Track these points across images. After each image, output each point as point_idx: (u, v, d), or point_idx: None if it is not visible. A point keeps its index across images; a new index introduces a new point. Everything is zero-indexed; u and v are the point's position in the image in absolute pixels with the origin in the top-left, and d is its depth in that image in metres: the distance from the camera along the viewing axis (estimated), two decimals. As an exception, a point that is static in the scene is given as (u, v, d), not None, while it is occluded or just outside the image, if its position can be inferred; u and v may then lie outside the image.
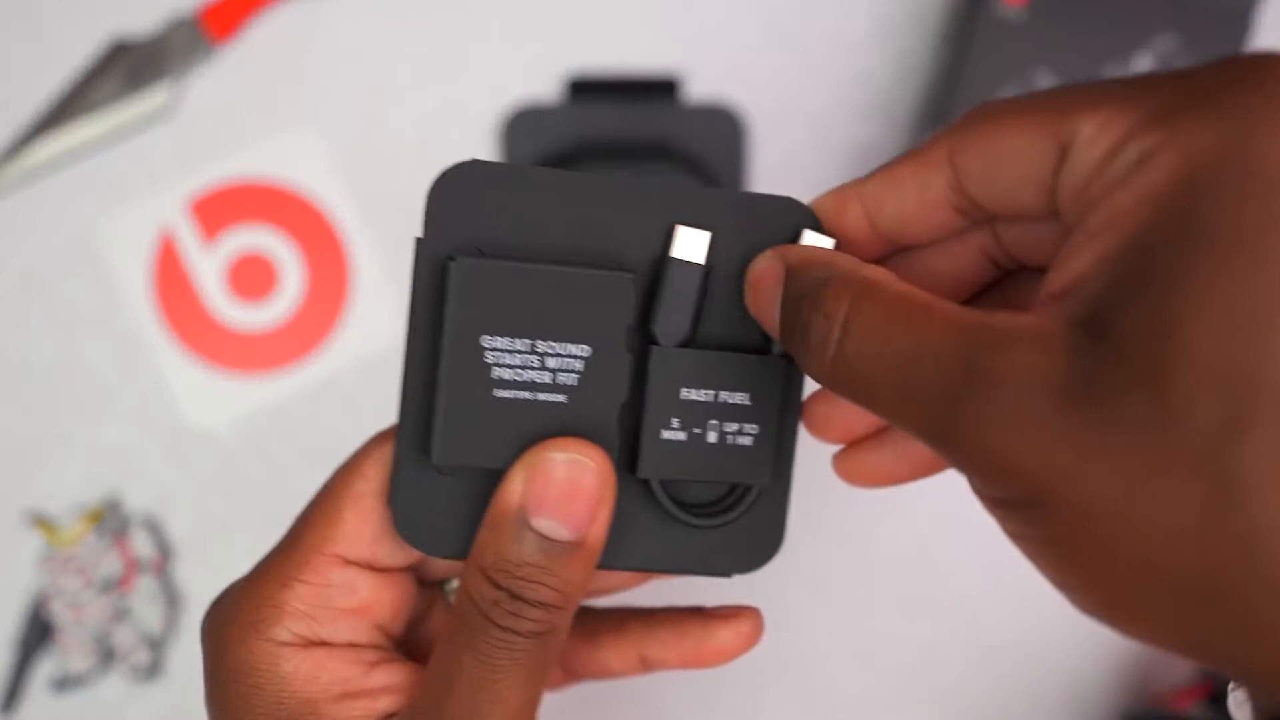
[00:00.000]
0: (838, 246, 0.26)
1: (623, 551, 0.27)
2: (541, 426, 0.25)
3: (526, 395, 0.25)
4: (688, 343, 0.26)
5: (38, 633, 0.48)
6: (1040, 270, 0.25)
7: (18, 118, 0.48)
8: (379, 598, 0.27)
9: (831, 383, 0.23)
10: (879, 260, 0.26)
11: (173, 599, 0.48)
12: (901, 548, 0.49)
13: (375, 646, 0.27)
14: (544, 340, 0.25)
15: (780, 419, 0.27)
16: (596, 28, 0.49)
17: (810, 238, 0.26)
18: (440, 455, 0.25)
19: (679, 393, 0.26)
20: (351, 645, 0.26)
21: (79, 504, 0.48)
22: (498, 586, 0.25)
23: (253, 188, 0.49)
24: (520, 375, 0.25)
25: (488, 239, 0.25)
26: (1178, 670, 0.50)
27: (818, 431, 0.28)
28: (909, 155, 0.24)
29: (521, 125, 0.48)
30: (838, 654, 0.49)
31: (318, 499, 0.27)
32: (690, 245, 0.26)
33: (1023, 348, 0.20)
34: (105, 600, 0.48)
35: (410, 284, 0.25)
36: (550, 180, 0.25)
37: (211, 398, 0.48)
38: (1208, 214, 0.18)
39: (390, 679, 0.26)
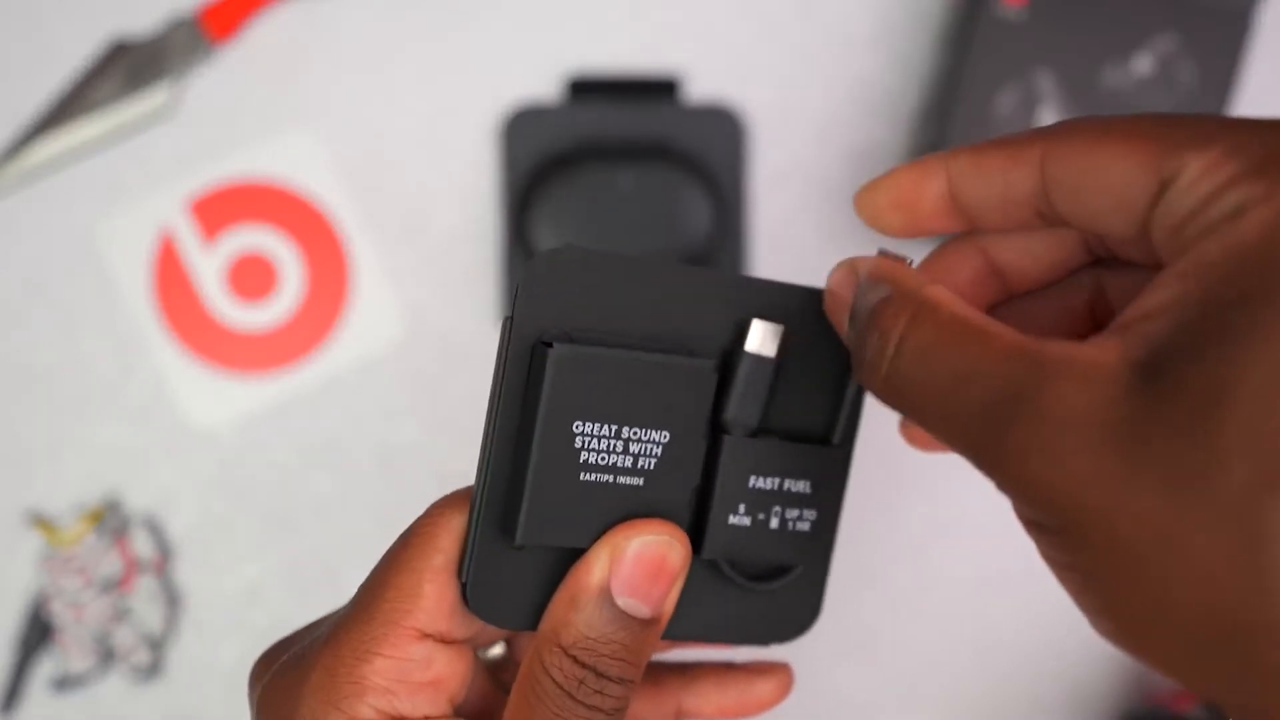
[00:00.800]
0: (911, 263, 0.26)
1: (678, 623, 0.28)
2: (619, 507, 0.26)
3: (608, 478, 0.26)
4: (756, 432, 0.27)
5: (38, 632, 0.48)
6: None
7: (18, 118, 0.48)
8: (452, 670, 0.27)
9: (884, 397, 0.23)
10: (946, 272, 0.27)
11: (173, 599, 0.48)
12: (901, 548, 0.49)
13: (447, 718, 0.27)
14: (629, 426, 0.26)
15: (835, 504, 0.28)
16: (596, 28, 0.49)
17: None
18: (525, 536, 0.25)
19: (748, 481, 0.27)
20: (427, 719, 0.26)
21: (79, 504, 0.48)
22: (581, 664, 0.25)
23: (253, 188, 0.49)
24: (604, 459, 0.26)
25: (574, 322, 0.25)
26: (1178, 670, 0.50)
27: (916, 444, 0.29)
28: (999, 144, 0.25)
29: (521, 125, 0.48)
30: (838, 654, 0.49)
31: (391, 569, 0.26)
32: (764, 340, 0.27)
33: (1075, 379, 0.20)
34: (105, 600, 0.48)
35: (497, 361, 0.26)
36: (632, 267, 0.26)
37: (211, 397, 0.48)
38: None
39: None
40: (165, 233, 0.49)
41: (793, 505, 0.27)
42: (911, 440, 0.29)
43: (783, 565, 0.28)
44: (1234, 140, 0.21)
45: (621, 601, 0.25)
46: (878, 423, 0.49)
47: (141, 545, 0.48)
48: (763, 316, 0.27)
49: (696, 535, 0.27)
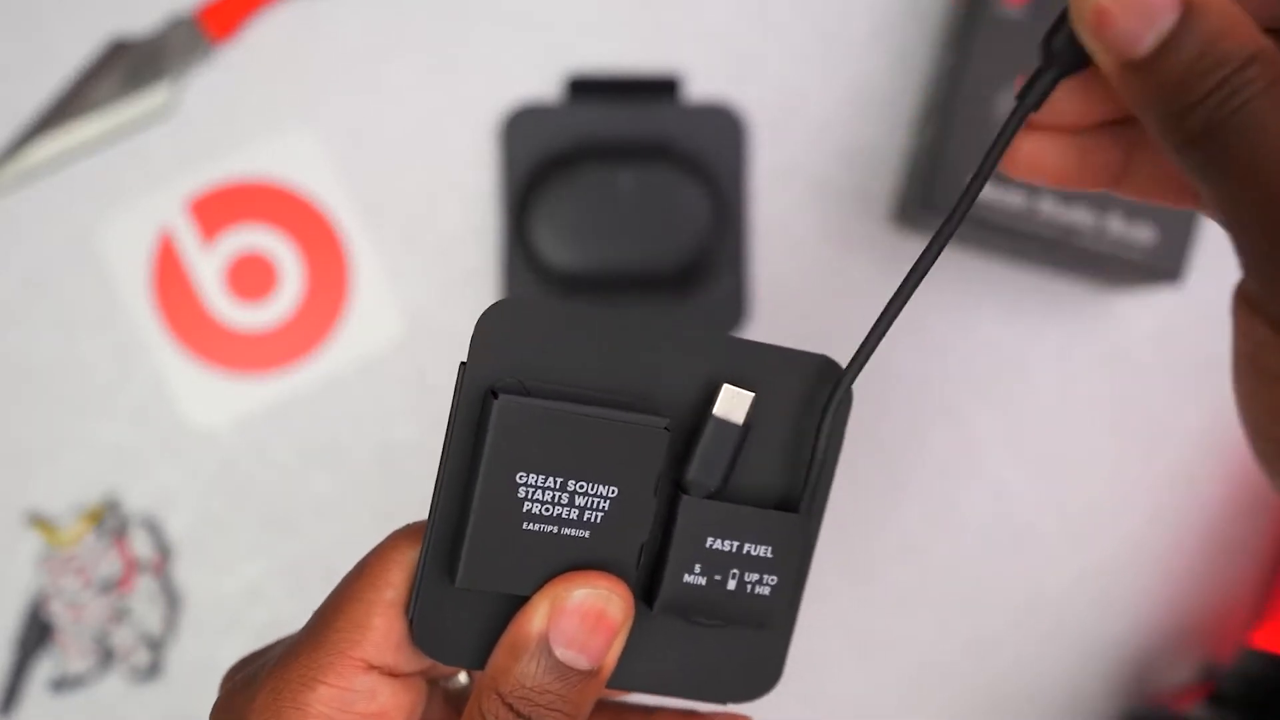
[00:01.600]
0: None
1: (628, 674, 0.28)
2: (564, 557, 0.26)
3: (552, 529, 0.26)
4: (718, 493, 0.27)
5: (37, 633, 0.48)
6: None
7: (17, 117, 0.48)
8: (396, 703, 0.27)
9: (1189, 151, 0.23)
10: None
11: (172, 599, 0.48)
12: (901, 548, 0.49)
13: None
14: (576, 480, 0.26)
15: (799, 570, 0.28)
16: (597, 27, 0.49)
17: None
18: (464, 579, 0.26)
19: (705, 541, 0.27)
20: None
21: (78, 504, 0.48)
22: (517, 714, 0.25)
23: (252, 187, 0.49)
24: (549, 510, 0.26)
25: (530, 371, 0.25)
26: (1178, 670, 0.50)
27: (1017, 171, 0.28)
28: None
29: (521, 124, 0.48)
30: (838, 654, 0.49)
31: (343, 599, 0.27)
32: (732, 405, 0.26)
33: None
34: (104, 600, 0.48)
35: (451, 405, 0.26)
36: (596, 319, 0.26)
37: (211, 397, 0.48)
38: None
39: None
40: (164, 232, 0.49)
41: (752, 569, 0.27)
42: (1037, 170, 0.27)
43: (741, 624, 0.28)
44: None
45: (560, 653, 0.26)
46: (878, 421, 0.49)
47: (141, 545, 0.48)
48: (735, 379, 0.27)
49: (651, 589, 0.27)
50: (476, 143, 0.49)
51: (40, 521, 0.48)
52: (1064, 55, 0.25)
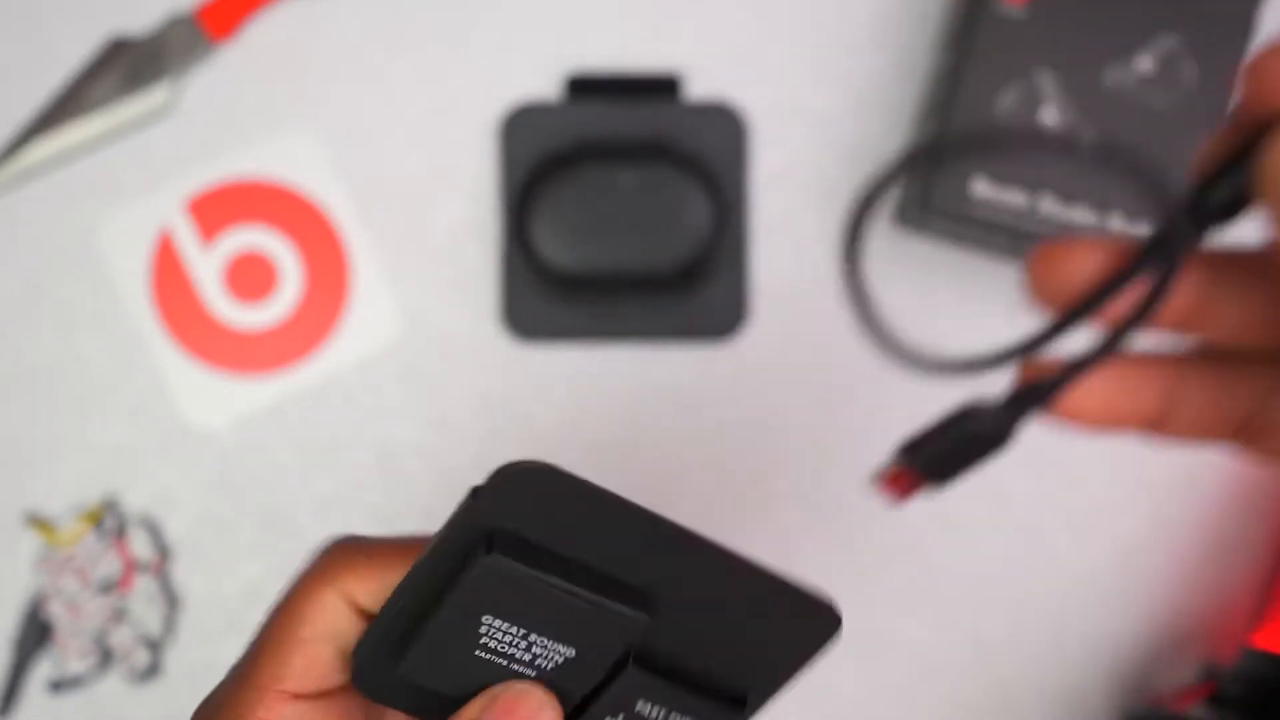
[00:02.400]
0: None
1: None
2: (507, 680, 0.27)
3: (503, 662, 0.27)
4: (666, 669, 0.28)
5: (36, 633, 0.48)
6: None
7: (16, 116, 0.48)
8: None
9: None
10: None
11: (171, 600, 0.48)
12: (901, 548, 0.49)
13: None
14: (539, 635, 0.26)
15: None
16: (597, 26, 0.49)
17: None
18: (409, 672, 0.27)
19: (635, 703, 0.28)
20: None
21: (77, 504, 0.48)
22: None
23: (251, 187, 0.49)
24: (505, 649, 0.27)
25: (534, 527, 0.26)
26: (1178, 670, 0.50)
27: (1078, 418, 0.25)
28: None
29: (521, 124, 0.48)
30: (838, 654, 0.49)
31: (264, 637, 0.28)
32: None
33: None
34: (103, 601, 0.48)
35: (453, 513, 0.26)
36: (613, 507, 0.26)
37: (210, 397, 0.48)
38: None
39: None
40: (164, 232, 0.48)
41: None
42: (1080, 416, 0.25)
43: None
44: None
45: None
46: (878, 421, 0.49)
47: (140, 546, 0.48)
48: (734, 597, 0.27)
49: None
50: (476, 142, 0.49)
51: (39, 522, 0.48)
52: (1214, 214, 0.21)
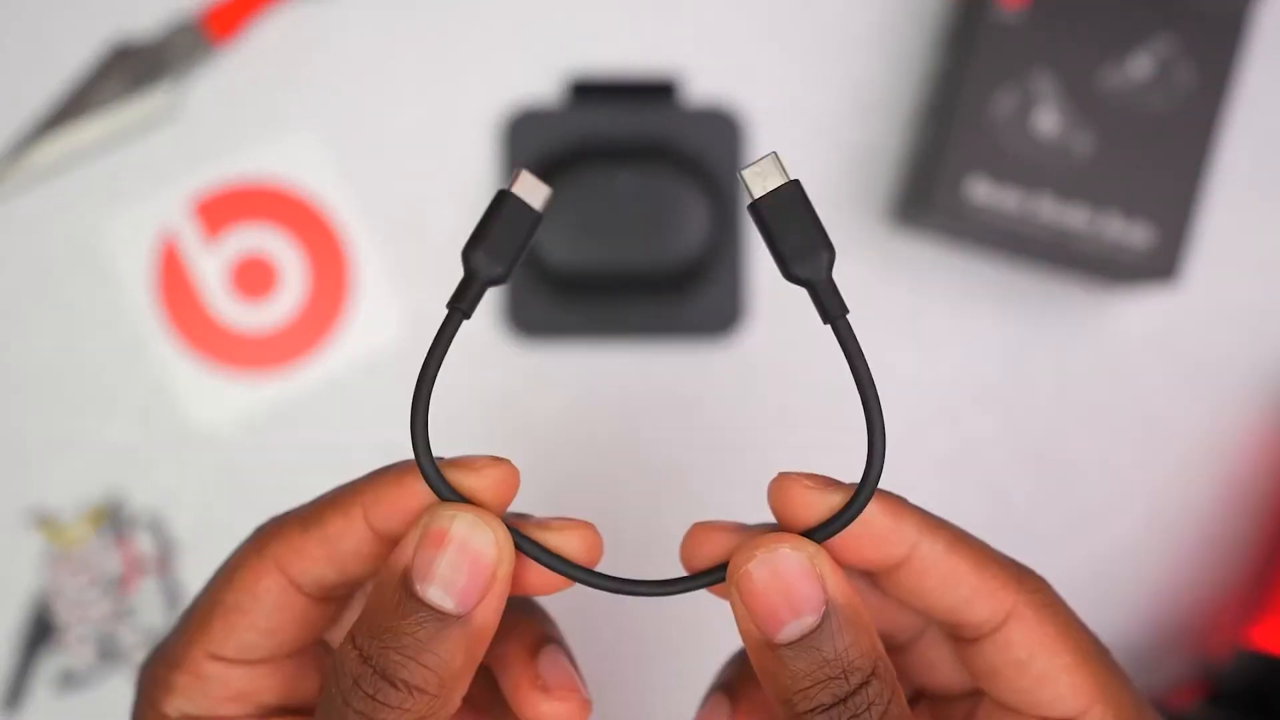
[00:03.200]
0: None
1: None
2: None
3: None
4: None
5: (40, 632, 0.48)
6: None
7: (20, 119, 0.48)
8: (255, 686, 0.27)
9: None
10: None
11: (175, 599, 0.48)
12: (901, 547, 0.49)
13: (258, 716, 0.28)
14: None
15: None
16: (597, 28, 0.49)
17: None
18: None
19: None
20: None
21: (82, 504, 0.48)
22: (365, 660, 0.23)
23: (254, 189, 0.49)
24: None
25: None
26: (1173, 669, 0.50)
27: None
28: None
29: (522, 127, 0.48)
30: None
31: (200, 596, 0.28)
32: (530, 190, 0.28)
33: None
34: (108, 600, 0.48)
35: None
36: None
37: (214, 397, 0.49)
38: None
39: None
40: (167, 234, 0.49)
41: None
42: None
43: None
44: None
45: (423, 589, 0.24)
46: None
47: (144, 545, 0.48)
48: None
49: None
50: (478, 144, 0.49)
51: (44, 521, 0.48)
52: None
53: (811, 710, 0.23)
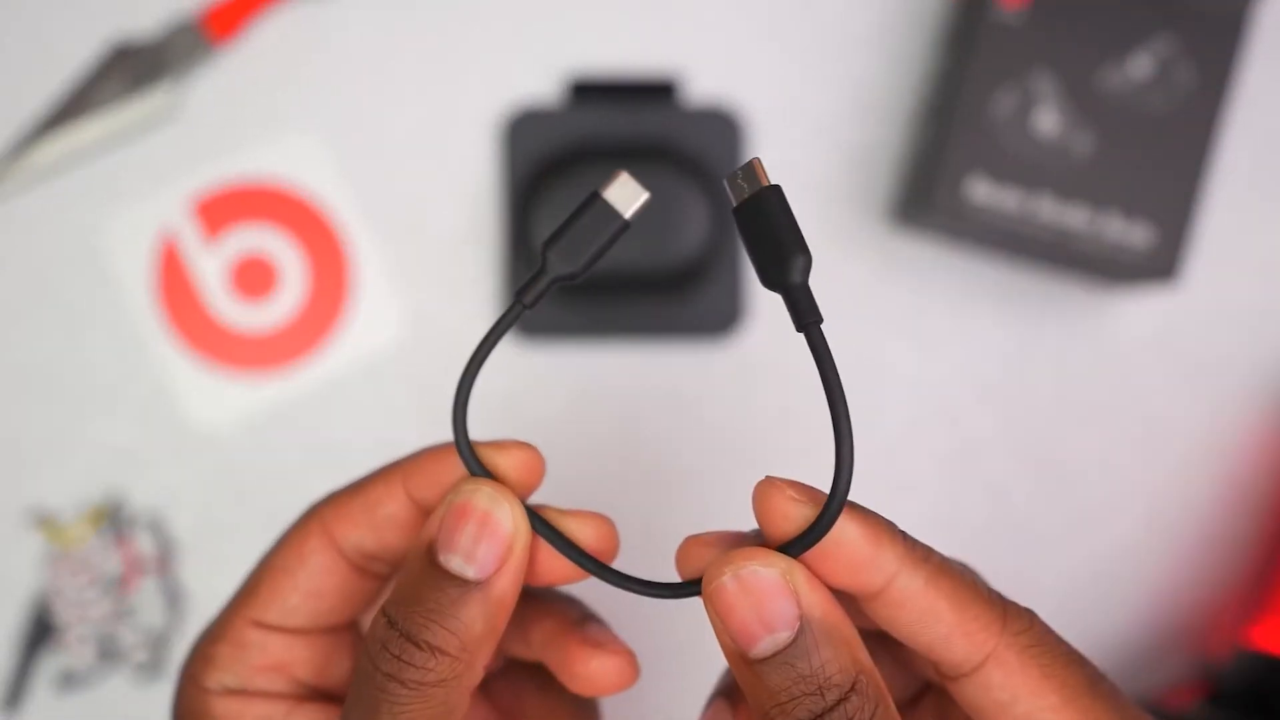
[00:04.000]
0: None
1: None
2: None
3: None
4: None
5: (40, 632, 0.48)
6: None
7: (20, 119, 0.48)
8: (291, 656, 0.28)
9: None
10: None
11: (175, 598, 0.48)
12: (901, 547, 0.49)
13: (292, 695, 0.29)
14: None
15: None
16: (597, 29, 0.49)
17: None
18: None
19: None
20: (267, 694, 0.28)
21: (82, 503, 0.48)
22: (392, 625, 0.25)
23: (254, 189, 0.49)
24: None
25: None
26: (1173, 669, 0.50)
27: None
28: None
29: (522, 127, 0.48)
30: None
31: (252, 570, 0.29)
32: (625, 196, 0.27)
33: None
34: (108, 600, 0.48)
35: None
36: None
37: (214, 397, 0.49)
38: None
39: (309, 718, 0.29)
40: (167, 233, 0.49)
41: None
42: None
43: None
44: None
45: (445, 559, 0.25)
46: (877, 422, 0.49)
47: (144, 545, 0.48)
48: None
49: None
50: (477, 144, 0.49)
51: (44, 521, 0.48)
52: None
53: None
